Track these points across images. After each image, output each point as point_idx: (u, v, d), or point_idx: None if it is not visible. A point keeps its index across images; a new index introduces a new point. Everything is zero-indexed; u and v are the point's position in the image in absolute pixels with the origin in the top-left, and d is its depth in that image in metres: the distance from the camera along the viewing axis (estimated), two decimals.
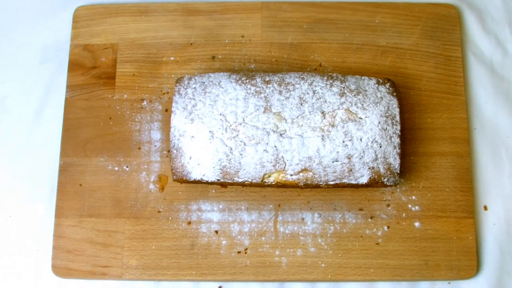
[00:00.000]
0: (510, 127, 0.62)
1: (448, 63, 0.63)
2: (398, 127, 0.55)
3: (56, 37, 0.66)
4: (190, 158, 0.54)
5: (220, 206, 0.59)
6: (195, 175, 0.54)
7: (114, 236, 0.58)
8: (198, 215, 0.58)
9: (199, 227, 0.58)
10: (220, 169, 0.53)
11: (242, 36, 0.64)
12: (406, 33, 0.64)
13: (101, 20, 0.65)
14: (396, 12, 0.64)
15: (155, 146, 0.60)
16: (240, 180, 0.54)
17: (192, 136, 0.54)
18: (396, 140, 0.54)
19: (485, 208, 0.60)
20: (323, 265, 0.57)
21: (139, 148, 0.60)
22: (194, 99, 0.55)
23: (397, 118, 0.55)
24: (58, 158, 0.61)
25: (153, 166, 0.60)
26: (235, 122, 0.53)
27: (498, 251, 0.59)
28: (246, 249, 0.57)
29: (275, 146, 0.52)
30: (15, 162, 0.62)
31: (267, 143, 0.52)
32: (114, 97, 0.62)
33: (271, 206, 0.58)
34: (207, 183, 0.55)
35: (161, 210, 0.59)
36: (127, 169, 0.60)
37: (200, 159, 0.54)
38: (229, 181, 0.54)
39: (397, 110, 0.55)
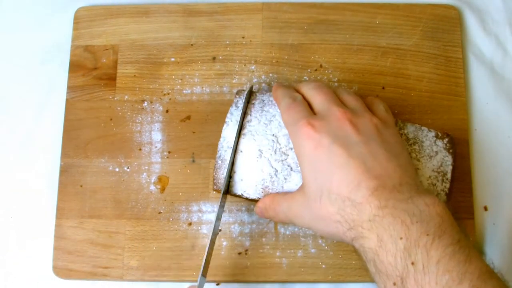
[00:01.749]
0: (511, 127, 0.62)
1: (448, 64, 0.63)
2: (447, 185, 0.53)
3: (56, 38, 0.66)
4: (234, 172, 0.53)
5: None
6: (236, 190, 0.53)
7: (115, 237, 0.58)
8: (199, 216, 0.58)
9: (200, 228, 0.58)
10: (262, 189, 0.52)
11: (243, 37, 0.64)
12: (406, 34, 0.64)
13: (102, 21, 0.65)
14: (397, 13, 0.64)
15: (156, 147, 0.61)
16: None
17: (241, 151, 0.53)
18: (443, 198, 0.53)
19: (485, 208, 0.60)
20: (323, 266, 0.57)
21: (140, 149, 0.60)
22: (250, 115, 0.54)
23: (448, 176, 0.53)
24: (58, 159, 0.61)
25: (153, 167, 0.60)
26: (286, 146, 0.52)
27: (499, 251, 0.59)
28: (247, 250, 0.57)
29: None
30: (16, 163, 0.62)
31: None
32: (115, 98, 0.62)
33: None
34: (247, 199, 0.54)
35: (161, 211, 0.59)
36: (128, 170, 0.60)
37: (244, 176, 0.53)
38: None
39: (450, 168, 0.53)
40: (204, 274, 0.50)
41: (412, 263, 0.39)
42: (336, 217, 0.44)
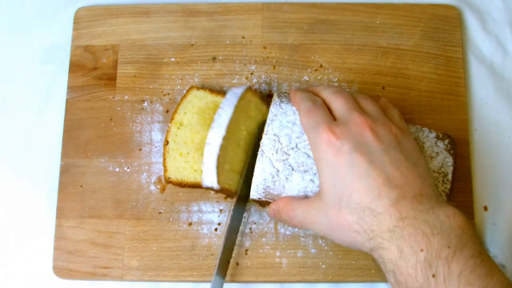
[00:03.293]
0: (511, 127, 0.62)
1: (448, 64, 0.63)
2: (448, 186, 0.53)
3: (57, 38, 0.66)
4: None
5: (221, 207, 0.59)
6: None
7: (115, 237, 0.58)
8: (199, 216, 0.58)
9: (200, 228, 0.58)
10: (263, 189, 0.52)
11: (243, 37, 0.64)
12: (406, 34, 0.64)
13: (102, 21, 0.65)
14: (397, 13, 0.64)
15: (156, 147, 0.61)
16: None
17: None
18: (444, 199, 0.53)
19: (485, 208, 0.60)
20: (323, 266, 0.57)
21: (140, 149, 0.60)
22: None
23: (449, 177, 0.53)
24: (59, 159, 0.61)
25: (154, 167, 0.60)
26: (287, 146, 0.51)
27: (499, 251, 0.59)
28: (247, 250, 0.57)
29: None
30: (16, 163, 0.62)
31: (315, 173, 0.50)
32: (115, 98, 0.62)
33: None
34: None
35: (162, 211, 0.59)
36: (128, 170, 0.60)
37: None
38: (271, 202, 0.53)
39: (451, 168, 0.54)
40: (221, 274, 0.50)
41: (433, 275, 0.39)
42: (355, 226, 0.44)
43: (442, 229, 0.41)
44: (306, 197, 0.51)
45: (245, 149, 0.56)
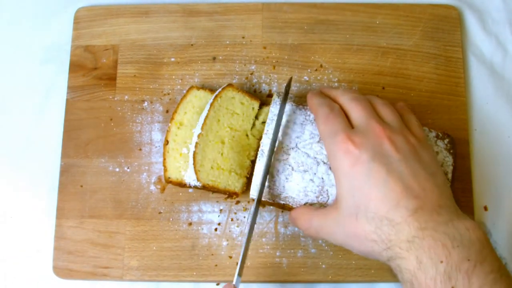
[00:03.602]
0: (511, 127, 0.62)
1: (448, 64, 0.63)
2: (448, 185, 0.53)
3: (57, 38, 0.66)
4: None
5: (221, 207, 0.59)
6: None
7: (115, 237, 0.58)
8: (199, 216, 0.58)
9: (200, 228, 0.58)
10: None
11: (243, 37, 0.64)
12: (406, 34, 0.64)
13: (102, 21, 0.65)
14: (397, 13, 0.64)
15: (156, 147, 0.61)
16: (282, 202, 0.52)
17: None
18: None
19: (485, 208, 0.60)
20: (323, 266, 0.57)
21: (140, 149, 0.61)
22: None
23: (449, 176, 0.53)
24: (59, 159, 0.61)
25: (154, 167, 0.60)
26: (287, 146, 0.52)
27: (499, 251, 0.59)
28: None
29: (322, 178, 0.50)
30: (16, 163, 0.62)
31: (315, 173, 0.50)
32: (115, 98, 0.62)
33: (271, 207, 0.58)
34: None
35: (162, 211, 0.59)
36: (128, 170, 0.60)
37: None
38: (271, 202, 0.53)
39: (451, 168, 0.54)
40: (240, 274, 0.50)
41: None
42: (373, 236, 0.44)
43: (462, 242, 0.41)
44: (306, 196, 0.51)
45: (234, 147, 0.56)
